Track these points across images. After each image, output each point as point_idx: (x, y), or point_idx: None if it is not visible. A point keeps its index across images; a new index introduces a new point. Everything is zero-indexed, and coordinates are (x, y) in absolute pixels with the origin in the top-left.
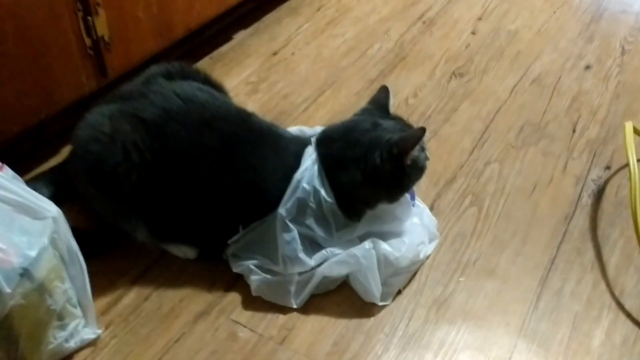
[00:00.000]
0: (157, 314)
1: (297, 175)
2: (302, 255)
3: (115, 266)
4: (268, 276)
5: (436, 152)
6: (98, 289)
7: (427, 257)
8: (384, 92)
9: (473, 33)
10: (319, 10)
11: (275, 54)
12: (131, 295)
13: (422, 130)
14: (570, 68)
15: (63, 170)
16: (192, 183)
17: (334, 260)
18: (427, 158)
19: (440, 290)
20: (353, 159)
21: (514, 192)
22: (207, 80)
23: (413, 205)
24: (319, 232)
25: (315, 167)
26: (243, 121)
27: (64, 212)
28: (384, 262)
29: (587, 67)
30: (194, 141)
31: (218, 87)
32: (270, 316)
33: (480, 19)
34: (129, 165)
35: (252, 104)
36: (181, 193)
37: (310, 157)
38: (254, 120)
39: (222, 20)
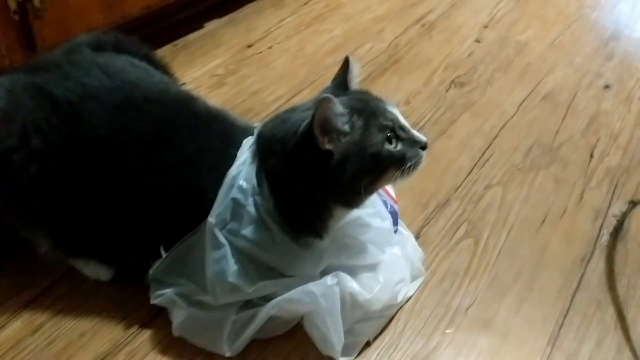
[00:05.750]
0: (45, 353)
1: (232, 170)
2: (234, 279)
3: (1, 284)
4: (196, 310)
5: (428, 169)
6: None
7: (408, 299)
8: (344, 64)
9: (477, 41)
10: (306, 3)
11: (250, 46)
12: (16, 325)
13: (326, 101)
14: (587, 86)
15: None
16: (110, 181)
17: (285, 298)
18: (393, 144)
19: (421, 343)
20: (278, 139)
21: (519, 224)
22: (148, 58)
23: (395, 231)
24: (259, 246)
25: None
26: (183, 104)
27: None
28: (350, 303)
29: (607, 87)
30: (117, 126)
31: (162, 68)
32: None
33: (486, 26)
34: (28, 152)
35: (214, 99)
36: (95, 194)
37: (249, 148)
38: (198, 104)
39: (194, 5)
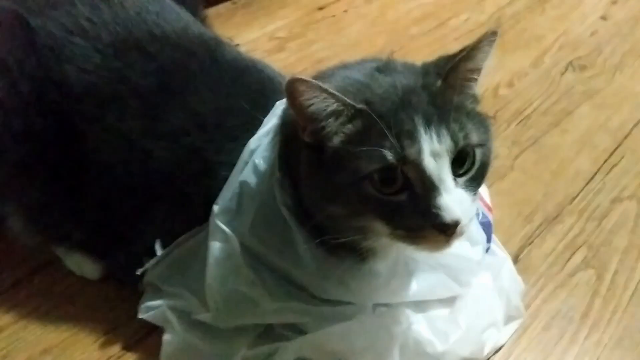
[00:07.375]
0: None
1: (252, 141)
2: (246, 287)
3: None
4: (193, 337)
5: (534, 170)
6: None
7: (498, 350)
8: (479, 41)
9: (603, 18)
10: None
11: (321, 8)
12: None
13: (295, 83)
14: None
15: None
16: (96, 147)
17: (322, 334)
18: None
19: None
20: None
21: None
22: None
23: (487, 251)
24: (277, 254)
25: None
26: (204, 49)
27: None
28: (413, 352)
29: None
30: (110, 73)
31: (191, 5)
32: None
33: (615, 2)
34: None
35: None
36: (76, 163)
37: (280, 113)
38: (225, 50)
39: None
